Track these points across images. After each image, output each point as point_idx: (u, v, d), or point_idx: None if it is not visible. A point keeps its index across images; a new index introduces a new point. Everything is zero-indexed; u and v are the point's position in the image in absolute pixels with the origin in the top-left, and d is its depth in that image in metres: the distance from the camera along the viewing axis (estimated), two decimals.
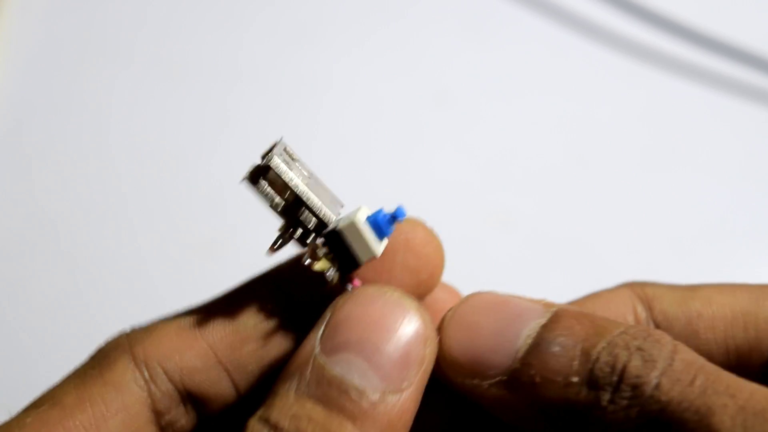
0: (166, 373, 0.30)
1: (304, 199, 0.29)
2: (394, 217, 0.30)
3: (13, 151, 0.62)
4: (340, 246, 0.29)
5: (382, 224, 0.30)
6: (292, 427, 0.26)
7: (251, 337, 0.30)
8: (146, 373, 0.29)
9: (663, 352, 0.26)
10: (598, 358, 0.26)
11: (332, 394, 0.26)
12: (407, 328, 0.27)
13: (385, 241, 0.30)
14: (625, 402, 0.26)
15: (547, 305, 0.29)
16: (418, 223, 0.32)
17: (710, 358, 0.30)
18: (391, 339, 0.27)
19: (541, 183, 0.62)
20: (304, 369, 0.27)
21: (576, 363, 0.26)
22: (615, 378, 0.26)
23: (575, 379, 0.26)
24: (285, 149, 0.30)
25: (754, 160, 0.64)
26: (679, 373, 0.26)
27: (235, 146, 0.62)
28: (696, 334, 0.31)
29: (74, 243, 0.59)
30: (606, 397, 0.26)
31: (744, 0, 0.69)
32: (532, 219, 0.61)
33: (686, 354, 0.26)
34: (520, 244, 0.60)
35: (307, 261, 0.29)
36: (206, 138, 0.63)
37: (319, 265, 0.29)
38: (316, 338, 0.27)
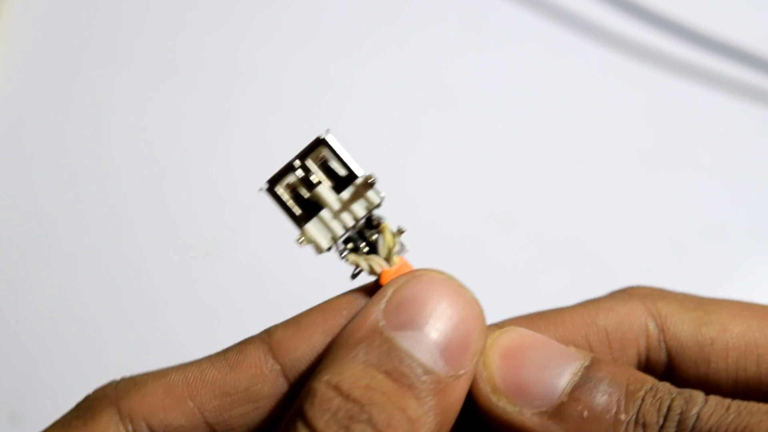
0: (150, 429, 0.29)
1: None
2: None
3: (13, 151, 0.62)
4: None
5: None
6: (366, 398, 0.26)
7: (241, 401, 0.30)
8: (130, 428, 0.29)
9: (699, 394, 0.28)
10: (644, 400, 0.28)
11: (403, 369, 0.26)
12: (471, 318, 0.28)
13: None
14: None
15: (581, 352, 0.30)
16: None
17: (718, 386, 0.32)
18: (456, 326, 0.27)
19: (541, 183, 0.62)
20: (371, 340, 0.27)
21: (623, 403, 0.28)
22: (661, 417, 0.28)
23: (623, 417, 0.28)
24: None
25: (754, 160, 0.64)
26: (715, 405, 0.27)
27: (236, 146, 0.62)
28: (707, 361, 0.32)
29: (74, 243, 0.59)
30: None
31: (744, 0, 0.69)
32: (532, 219, 0.61)
33: (717, 396, 0.28)
34: (520, 244, 0.60)
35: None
36: (206, 138, 0.63)
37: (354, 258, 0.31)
38: (377, 312, 0.27)
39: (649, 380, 0.29)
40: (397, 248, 0.31)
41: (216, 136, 0.63)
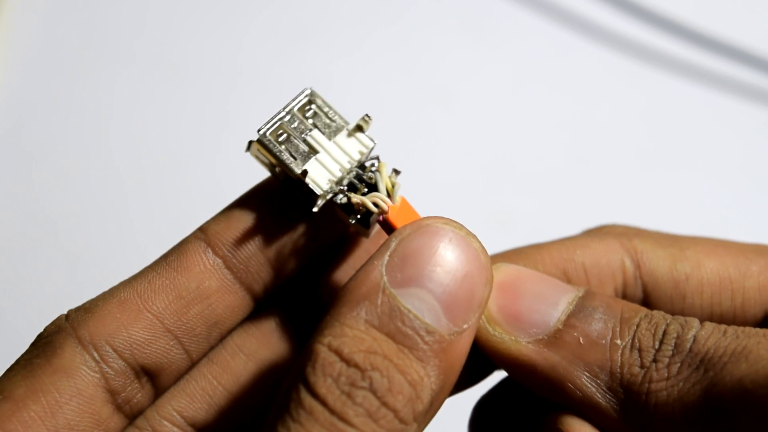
0: (115, 351, 0.29)
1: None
2: None
3: (14, 151, 0.62)
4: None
5: None
6: (367, 363, 0.25)
7: (195, 300, 0.30)
8: (95, 354, 0.29)
9: (694, 320, 0.28)
10: (639, 325, 0.28)
11: (405, 331, 0.26)
12: (476, 270, 0.27)
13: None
14: (667, 359, 0.27)
15: (575, 286, 0.30)
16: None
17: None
18: (460, 280, 0.27)
19: (541, 183, 0.62)
20: (374, 298, 0.26)
21: (618, 329, 0.28)
22: (657, 341, 0.28)
23: (619, 342, 0.28)
24: (303, 107, 0.31)
25: (754, 160, 0.64)
26: (712, 329, 0.28)
27: (235, 146, 0.62)
28: (682, 297, 0.32)
29: (74, 242, 0.59)
30: (649, 356, 0.28)
31: (744, 0, 0.69)
32: (532, 218, 0.61)
33: (713, 322, 0.28)
34: (520, 244, 0.60)
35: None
36: (206, 138, 0.63)
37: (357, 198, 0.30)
38: (381, 266, 0.27)
39: (644, 309, 0.29)
40: (397, 187, 0.31)
41: (216, 135, 0.63)
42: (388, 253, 0.27)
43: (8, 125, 0.62)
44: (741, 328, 0.27)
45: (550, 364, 0.28)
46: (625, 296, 0.33)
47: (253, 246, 0.30)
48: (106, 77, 0.64)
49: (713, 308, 0.32)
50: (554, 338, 0.28)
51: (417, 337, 0.26)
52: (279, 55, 0.65)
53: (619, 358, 0.28)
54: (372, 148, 0.31)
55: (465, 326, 0.27)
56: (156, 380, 0.30)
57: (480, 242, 0.28)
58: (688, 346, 0.27)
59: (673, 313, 0.31)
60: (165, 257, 0.31)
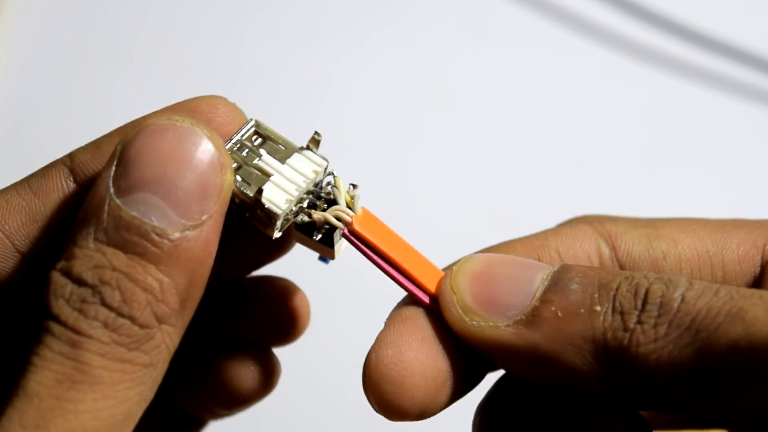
0: None
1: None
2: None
3: (13, 151, 0.62)
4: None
5: None
6: (96, 278, 0.25)
7: (48, 226, 0.30)
8: None
9: (681, 278, 0.27)
10: (618, 288, 0.27)
11: (132, 239, 0.25)
12: (202, 158, 0.26)
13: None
14: (652, 320, 0.26)
15: (550, 263, 0.29)
16: (218, 101, 0.32)
17: None
18: (185, 172, 0.26)
19: (541, 182, 0.62)
20: (100, 213, 0.26)
21: (597, 295, 0.27)
22: (639, 302, 0.27)
23: (598, 308, 0.27)
24: (247, 138, 0.31)
25: (754, 160, 0.64)
26: (701, 289, 0.26)
27: None
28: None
29: None
30: (633, 319, 0.26)
31: (744, 0, 0.69)
32: (532, 219, 0.60)
33: (702, 280, 0.27)
34: None
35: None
36: None
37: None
38: (108, 177, 0.26)
39: (624, 272, 0.28)
40: (357, 199, 0.31)
41: None
42: (114, 163, 0.26)
43: (8, 125, 0.62)
44: (735, 288, 0.26)
45: (531, 344, 0.27)
46: None
47: None
48: (106, 77, 0.64)
49: None
50: (532, 317, 0.27)
51: (146, 242, 0.25)
52: (279, 55, 0.65)
53: (601, 325, 0.27)
54: (326, 167, 0.31)
55: (204, 217, 0.26)
56: (1, 295, 0.30)
57: (209, 130, 0.27)
58: (676, 305, 0.26)
59: None
60: (29, 178, 0.31)
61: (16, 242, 0.30)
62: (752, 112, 0.65)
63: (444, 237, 0.60)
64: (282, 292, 0.36)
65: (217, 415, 0.38)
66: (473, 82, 0.65)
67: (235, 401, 0.36)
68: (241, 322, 0.36)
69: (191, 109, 0.31)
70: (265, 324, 0.36)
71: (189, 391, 0.37)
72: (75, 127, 0.63)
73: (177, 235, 0.26)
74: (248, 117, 0.32)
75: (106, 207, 0.26)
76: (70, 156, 0.31)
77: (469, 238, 0.60)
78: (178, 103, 0.31)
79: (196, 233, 0.26)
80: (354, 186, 0.31)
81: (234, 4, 0.67)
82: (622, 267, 0.32)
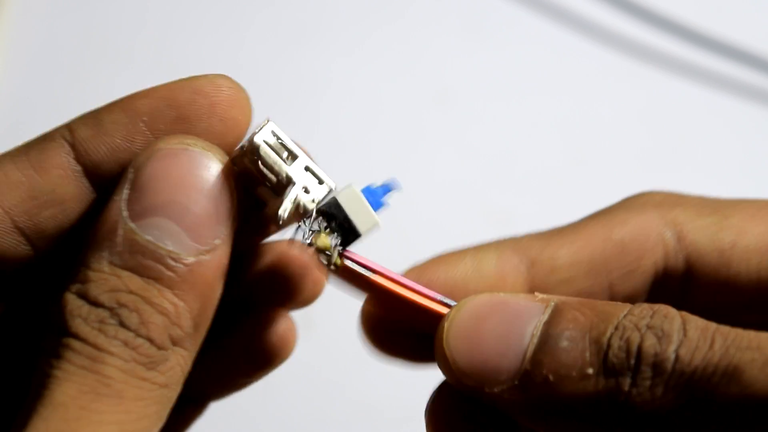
0: None
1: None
2: (388, 188, 0.30)
3: None
4: (337, 218, 0.29)
5: (377, 192, 0.29)
6: (113, 301, 0.25)
7: (48, 203, 0.29)
8: None
9: (674, 324, 0.26)
10: (610, 345, 0.26)
11: (147, 263, 0.25)
12: (213, 182, 0.27)
13: (381, 212, 0.30)
14: (648, 382, 0.25)
15: (544, 300, 0.28)
16: (222, 82, 0.31)
17: (739, 289, 0.30)
18: (199, 196, 0.26)
19: (541, 183, 0.62)
20: (114, 237, 0.26)
21: (588, 354, 0.26)
22: (632, 361, 0.26)
23: (590, 371, 0.26)
24: (273, 132, 0.30)
25: (754, 160, 0.64)
26: (696, 341, 0.25)
27: None
28: (728, 265, 0.31)
29: None
30: (627, 382, 0.25)
31: (744, 0, 0.69)
32: (532, 219, 0.61)
33: (697, 321, 0.26)
34: None
35: (309, 240, 0.29)
36: None
37: (321, 242, 0.29)
38: (120, 201, 0.26)
39: (615, 316, 0.27)
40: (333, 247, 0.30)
41: None
42: (127, 186, 0.26)
43: (8, 125, 0.62)
44: (732, 336, 0.25)
45: (526, 409, 0.27)
46: (666, 269, 0.31)
47: (117, 162, 0.29)
48: (106, 77, 0.64)
49: (761, 274, 0.30)
50: (525, 381, 0.27)
51: (161, 267, 0.25)
52: (279, 55, 0.65)
53: (594, 389, 0.26)
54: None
55: (216, 241, 0.26)
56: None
57: (221, 153, 0.27)
58: (670, 366, 0.25)
59: (717, 283, 0.30)
60: (27, 150, 0.30)
61: (15, 218, 0.29)
62: (752, 112, 0.65)
63: (444, 237, 0.60)
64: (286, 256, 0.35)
65: (233, 386, 0.37)
66: (473, 81, 0.65)
67: (259, 365, 0.35)
68: (252, 285, 0.35)
69: (194, 90, 0.30)
70: (276, 284, 0.35)
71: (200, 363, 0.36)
72: None
73: (191, 259, 0.26)
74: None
75: (120, 231, 0.26)
76: (70, 129, 0.30)
77: (469, 238, 0.60)
78: (182, 81, 0.31)
79: (208, 258, 0.26)
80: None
81: (234, 4, 0.67)
82: (687, 257, 0.31)
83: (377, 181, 0.31)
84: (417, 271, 0.33)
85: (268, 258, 0.35)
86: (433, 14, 0.68)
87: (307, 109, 0.63)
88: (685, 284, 0.32)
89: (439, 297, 0.30)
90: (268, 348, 0.35)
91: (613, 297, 0.32)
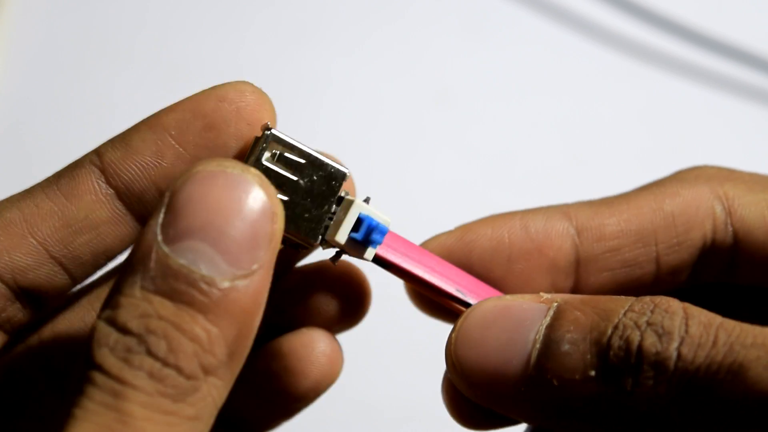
0: None
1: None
2: (383, 230, 0.30)
3: (13, 151, 0.62)
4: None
5: (371, 227, 0.30)
6: (142, 327, 0.24)
7: (82, 230, 0.29)
8: None
9: (675, 320, 0.26)
10: (610, 346, 0.26)
11: (180, 288, 0.24)
12: (252, 206, 0.25)
13: (371, 251, 0.30)
14: (650, 382, 0.25)
15: (548, 300, 0.28)
16: (245, 87, 0.30)
17: None
18: (236, 220, 0.25)
19: (541, 183, 0.62)
20: (147, 261, 0.25)
21: (589, 356, 0.26)
22: (633, 361, 0.25)
23: (593, 373, 0.26)
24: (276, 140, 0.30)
25: (754, 160, 0.64)
26: (698, 338, 0.25)
27: None
28: None
29: None
30: (629, 382, 0.25)
31: (744, 0, 0.69)
32: None
33: (700, 316, 0.26)
34: None
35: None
36: None
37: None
38: (156, 225, 0.25)
39: (616, 314, 0.27)
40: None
41: None
42: (163, 210, 0.25)
43: (8, 125, 0.62)
44: (737, 333, 0.25)
45: (534, 412, 0.27)
46: (714, 242, 0.32)
47: (149, 179, 0.29)
48: (106, 77, 0.64)
49: None
50: (530, 386, 0.27)
51: (194, 291, 0.24)
52: (279, 55, 0.65)
53: (597, 390, 0.26)
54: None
55: (255, 266, 0.25)
56: (38, 301, 0.30)
57: (260, 176, 0.26)
58: (672, 365, 0.25)
59: (765, 258, 0.30)
60: (57, 179, 0.30)
61: (49, 248, 0.29)
62: (752, 112, 0.65)
63: None
64: (334, 272, 0.35)
65: (280, 413, 0.36)
66: (473, 82, 0.65)
67: (304, 389, 0.34)
68: (293, 307, 0.35)
69: (219, 98, 0.30)
70: (323, 305, 0.35)
71: (252, 394, 0.35)
72: (75, 127, 0.63)
73: (226, 284, 0.25)
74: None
75: (154, 255, 0.25)
76: (98, 154, 0.30)
77: None
78: (205, 91, 0.31)
79: (246, 283, 0.25)
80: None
81: (234, 4, 0.67)
82: (736, 233, 0.31)
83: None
84: (464, 229, 0.33)
85: (311, 279, 0.35)
86: (433, 14, 0.68)
87: (307, 109, 0.63)
88: (733, 259, 0.32)
89: (458, 294, 0.31)
90: (313, 370, 0.34)
91: (659, 268, 0.32)
